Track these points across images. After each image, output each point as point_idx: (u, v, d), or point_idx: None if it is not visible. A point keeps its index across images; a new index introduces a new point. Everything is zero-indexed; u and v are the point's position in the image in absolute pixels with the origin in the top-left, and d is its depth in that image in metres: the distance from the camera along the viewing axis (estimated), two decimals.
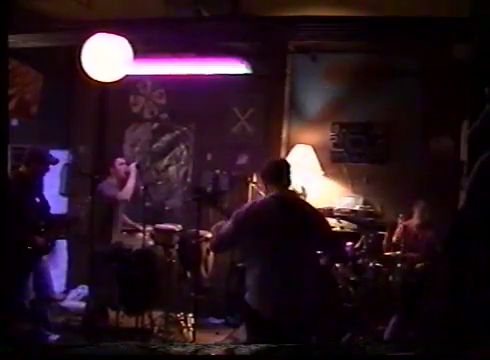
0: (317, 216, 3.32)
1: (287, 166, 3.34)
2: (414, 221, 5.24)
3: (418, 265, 5.02)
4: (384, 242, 5.31)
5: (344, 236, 5.04)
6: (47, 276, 4.72)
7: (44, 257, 4.66)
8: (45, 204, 4.69)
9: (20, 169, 4.56)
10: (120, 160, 5.51)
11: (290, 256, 3.09)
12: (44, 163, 4.58)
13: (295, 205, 3.25)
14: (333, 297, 4.72)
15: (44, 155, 4.61)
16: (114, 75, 4.42)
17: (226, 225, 3.24)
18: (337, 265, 4.87)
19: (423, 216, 5.16)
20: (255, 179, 5.89)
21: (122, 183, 5.44)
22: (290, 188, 3.43)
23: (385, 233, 5.42)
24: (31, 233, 4.43)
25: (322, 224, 3.30)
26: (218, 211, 3.69)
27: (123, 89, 6.17)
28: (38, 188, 4.74)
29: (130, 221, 5.64)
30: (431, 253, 5.01)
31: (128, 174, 5.41)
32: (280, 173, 3.29)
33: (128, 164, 5.53)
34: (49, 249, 4.67)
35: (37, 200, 4.61)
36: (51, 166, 4.67)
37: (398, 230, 5.28)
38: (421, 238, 5.16)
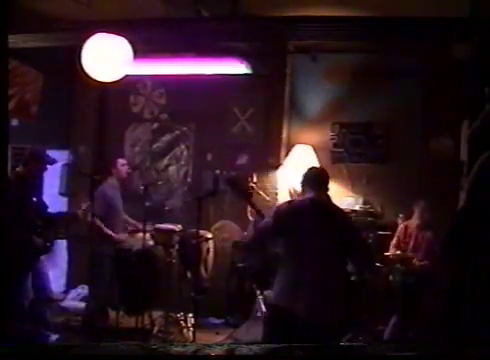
0: (348, 221, 3.49)
1: (327, 176, 3.54)
2: (414, 221, 5.23)
3: (418, 265, 5.03)
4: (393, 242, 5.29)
5: None
6: (45, 276, 4.72)
7: (42, 257, 4.66)
8: (42, 204, 4.69)
9: (18, 169, 4.56)
10: (122, 161, 5.51)
11: (321, 256, 3.18)
12: (42, 163, 4.59)
13: (329, 208, 3.38)
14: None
15: (42, 155, 4.62)
16: (114, 75, 4.42)
17: (264, 221, 3.37)
18: None
19: (423, 216, 5.16)
20: (255, 179, 5.89)
21: (123, 184, 5.45)
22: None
23: (385, 233, 5.42)
24: (30, 233, 4.43)
25: (352, 229, 3.43)
26: (253, 208, 3.77)
27: (123, 89, 6.17)
28: (36, 188, 4.74)
29: (131, 220, 5.62)
30: (431, 253, 5.01)
31: (129, 174, 5.46)
32: (320, 180, 3.46)
33: (129, 165, 5.55)
34: (48, 249, 4.67)
35: (35, 200, 4.61)
36: (49, 166, 4.67)
37: (398, 230, 5.28)
38: (421, 238, 5.16)
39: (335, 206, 3.47)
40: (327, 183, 3.48)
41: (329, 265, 3.19)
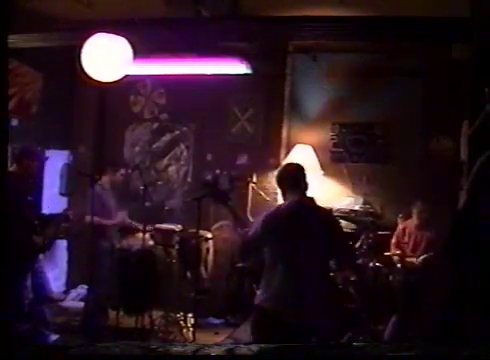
0: (333, 222, 3.45)
1: (303, 171, 3.37)
2: (413, 221, 5.24)
3: (418, 264, 5.03)
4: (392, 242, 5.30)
5: None
6: (43, 275, 4.72)
7: (40, 256, 4.66)
8: (38, 203, 4.69)
9: (11, 168, 4.54)
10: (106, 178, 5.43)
11: (307, 259, 3.16)
12: (35, 160, 4.59)
13: (315, 211, 3.33)
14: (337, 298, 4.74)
15: (34, 152, 4.63)
16: (114, 75, 4.43)
17: (252, 231, 3.30)
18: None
19: (421, 217, 5.17)
20: (255, 179, 5.89)
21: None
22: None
23: (385, 233, 5.42)
24: (28, 232, 4.43)
25: (337, 231, 3.40)
26: (227, 209, 3.71)
27: (123, 89, 6.17)
28: (31, 187, 4.74)
29: (129, 220, 5.59)
30: (430, 253, 5.01)
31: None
32: (296, 179, 3.33)
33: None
34: (46, 247, 4.67)
35: (31, 199, 4.61)
36: (47, 166, 4.68)
37: (397, 231, 5.28)
38: (420, 238, 5.17)
39: (321, 208, 3.43)
40: (304, 178, 3.34)
41: (317, 268, 3.18)
